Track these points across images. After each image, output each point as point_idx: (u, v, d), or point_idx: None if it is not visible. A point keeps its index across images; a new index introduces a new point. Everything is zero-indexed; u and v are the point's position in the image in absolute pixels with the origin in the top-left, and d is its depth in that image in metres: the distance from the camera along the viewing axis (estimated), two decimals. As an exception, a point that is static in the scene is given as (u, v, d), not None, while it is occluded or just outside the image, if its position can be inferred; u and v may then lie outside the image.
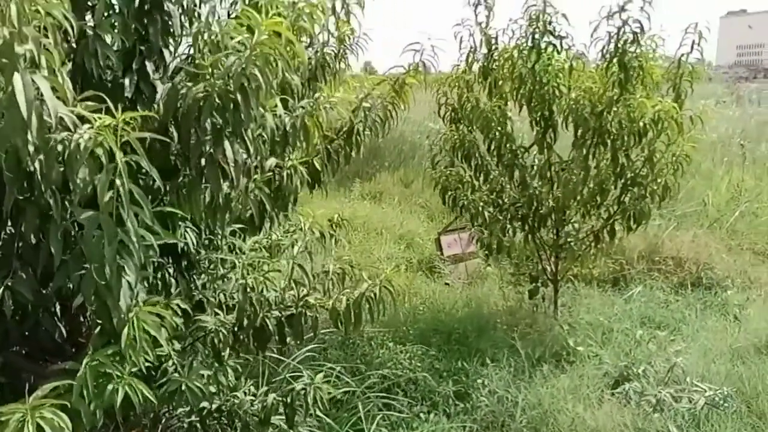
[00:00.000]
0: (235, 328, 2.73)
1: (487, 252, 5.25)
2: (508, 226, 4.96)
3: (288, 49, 1.96)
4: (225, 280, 2.93)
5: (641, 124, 4.07)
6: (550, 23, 4.36)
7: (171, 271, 2.90)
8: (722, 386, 3.52)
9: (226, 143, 2.16)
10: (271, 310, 2.70)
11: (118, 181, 1.59)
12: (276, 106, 2.12)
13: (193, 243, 2.84)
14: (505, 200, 4.92)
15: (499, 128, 4.71)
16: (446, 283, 6.16)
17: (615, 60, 4.07)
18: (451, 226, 7.09)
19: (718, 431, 3.36)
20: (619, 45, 4.03)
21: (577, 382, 3.82)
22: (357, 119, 3.33)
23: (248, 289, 2.59)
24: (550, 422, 3.54)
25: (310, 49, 3.51)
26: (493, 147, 4.52)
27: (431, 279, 6.45)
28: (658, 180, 4.26)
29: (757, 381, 3.67)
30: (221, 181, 2.22)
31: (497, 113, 4.59)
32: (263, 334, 2.77)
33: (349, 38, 3.81)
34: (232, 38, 1.94)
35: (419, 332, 5.01)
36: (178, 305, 2.47)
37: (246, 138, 2.13)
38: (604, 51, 4.11)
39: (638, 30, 3.98)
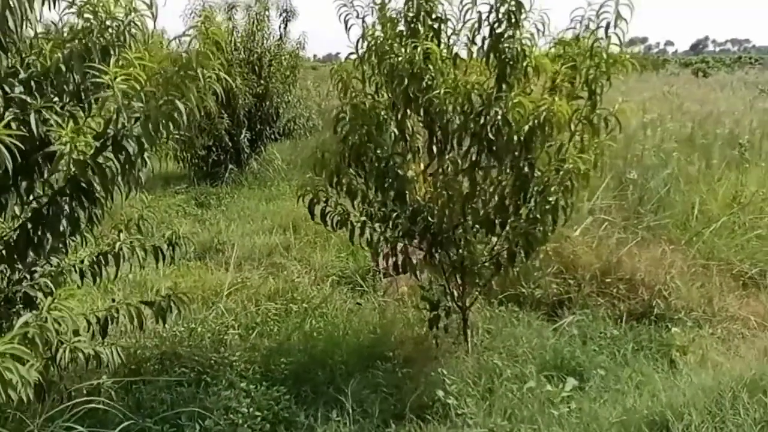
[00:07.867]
0: None
1: (395, 270, 4.55)
2: (400, 243, 4.20)
3: None
4: None
5: (525, 128, 3.23)
6: (428, 2, 3.55)
7: None
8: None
9: None
10: None
11: None
12: None
13: None
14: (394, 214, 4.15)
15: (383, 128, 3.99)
16: (358, 303, 5.42)
17: (491, 48, 3.23)
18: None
19: None
20: (494, 29, 3.19)
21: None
22: (117, 123, 2.65)
23: None
24: None
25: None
26: (349, 154, 3.75)
27: (354, 295, 5.72)
28: (549, 199, 3.40)
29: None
30: None
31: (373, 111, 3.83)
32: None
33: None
34: None
35: (297, 365, 4.31)
36: None
37: None
38: (473, 34, 3.28)
39: (514, 9, 3.11)
